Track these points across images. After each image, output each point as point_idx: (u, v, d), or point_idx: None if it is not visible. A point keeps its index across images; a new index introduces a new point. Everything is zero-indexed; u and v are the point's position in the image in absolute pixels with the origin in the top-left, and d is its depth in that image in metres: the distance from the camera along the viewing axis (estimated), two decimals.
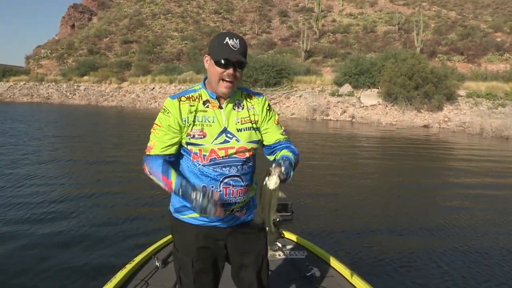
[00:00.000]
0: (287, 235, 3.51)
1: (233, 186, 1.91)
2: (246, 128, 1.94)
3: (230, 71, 1.83)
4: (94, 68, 43.55)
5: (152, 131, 1.92)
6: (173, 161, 1.94)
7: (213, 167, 1.87)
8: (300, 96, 28.65)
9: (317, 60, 39.17)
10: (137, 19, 57.34)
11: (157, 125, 1.90)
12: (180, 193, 1.75)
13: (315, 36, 46.50)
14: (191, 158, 1.90)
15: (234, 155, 1.89)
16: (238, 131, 1.92)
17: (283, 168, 1.73)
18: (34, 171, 8.56)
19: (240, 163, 1.91)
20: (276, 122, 2.04)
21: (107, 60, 47.51)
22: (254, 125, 1.98)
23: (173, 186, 1.77)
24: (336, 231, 5.34)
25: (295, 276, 2.87)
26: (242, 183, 1.93)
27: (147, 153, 1.90)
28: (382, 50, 35.52)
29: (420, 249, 4.81)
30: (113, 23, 58.83)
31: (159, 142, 1.88)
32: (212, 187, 1.87)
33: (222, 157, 1.87)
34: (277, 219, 3.11)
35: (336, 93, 27.79)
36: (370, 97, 26.42)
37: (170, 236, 3.25)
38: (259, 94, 2.05)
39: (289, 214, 3.39)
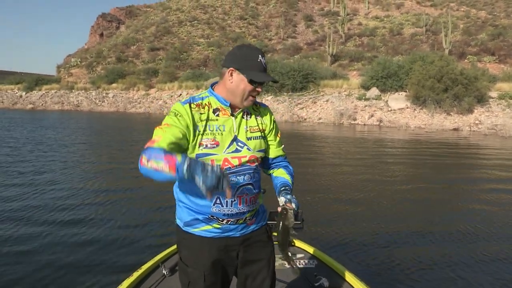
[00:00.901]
0: (297, 243, 3.45)
1: (247, 194, 1.90)
2: (255, 137, 1.96)
3: (260, 88, 1.89)
4: (122, 76, 44.41)
5: (158, 129, 1.79)
6: None
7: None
8: (327, 101, 28.48)
9: (343, 64, 38.79)
10: (163, 27, 58.20)
11: (166, 124, 1.79)
12: (186, 166, 1.48)
13: (341, 40, 46.09)
14: None
15: (247, 164, 1.89)
16: (248, 140, 1.92)
17: (293, 205, 1.84)
18: (57, 177, 8.92)
19: (252, 171, 1.92)
20: (279, 136, 2.09)
21: (135, 67, 48.34)
22: (263, 134, 2.00)
23: (179, 160, 1.51)
24: (351, 240, 5.11)
25: (302, 286, 2.79)
26: (254, 191, 1.94)
27: (150, 145, 1.70)
28: (409, 52, 34.89)
29: (445, 264, 4.45)
30: (140, 31, 59.95)
31: (167, 137, 1.73)
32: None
33: (236, 166, 1.86)
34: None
35: (363, 97, 27.52)
36: (398, 100, 26.06)
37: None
38: (263, 105, 2.09)
39: (299, 222, 3.35)
